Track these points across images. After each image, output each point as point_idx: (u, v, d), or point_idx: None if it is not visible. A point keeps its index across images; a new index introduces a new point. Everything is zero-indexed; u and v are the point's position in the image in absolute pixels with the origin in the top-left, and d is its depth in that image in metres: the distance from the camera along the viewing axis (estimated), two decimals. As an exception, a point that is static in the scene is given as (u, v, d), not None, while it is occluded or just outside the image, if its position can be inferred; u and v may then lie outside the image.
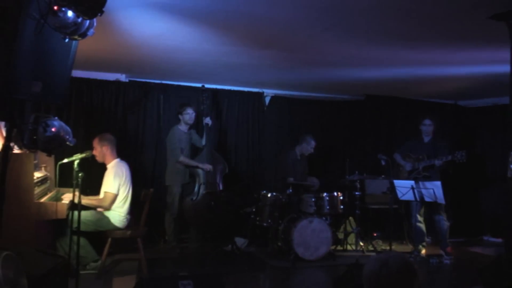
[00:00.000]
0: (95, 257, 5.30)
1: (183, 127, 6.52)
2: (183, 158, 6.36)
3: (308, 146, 7.00)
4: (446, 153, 6.22)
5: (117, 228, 5.23)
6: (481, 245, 7.54)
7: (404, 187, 6.24)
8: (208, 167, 6.46)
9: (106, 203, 5.17)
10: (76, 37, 2.92)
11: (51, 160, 5.14)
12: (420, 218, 6.57)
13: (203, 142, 6.64)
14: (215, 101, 7.42)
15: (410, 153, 6.63)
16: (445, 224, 6.49)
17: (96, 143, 5.32)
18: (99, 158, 5.31)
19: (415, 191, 6.13)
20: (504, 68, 5.70)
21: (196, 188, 6.46)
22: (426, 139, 6.62)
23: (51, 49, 3.08)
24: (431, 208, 6.55)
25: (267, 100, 7.81)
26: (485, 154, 8.23)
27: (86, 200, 4.95)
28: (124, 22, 4.18)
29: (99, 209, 5.23)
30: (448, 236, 6.59)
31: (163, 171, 6.62)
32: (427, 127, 6.57)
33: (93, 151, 5.18)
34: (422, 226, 6.59)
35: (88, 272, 5.16)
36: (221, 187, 6.61)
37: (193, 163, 6.45)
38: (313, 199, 6.35)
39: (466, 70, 6.00)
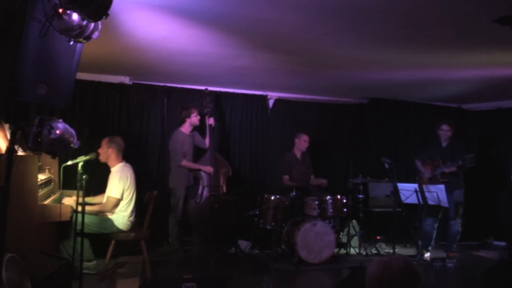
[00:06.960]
0: (90, 256, 5.22)
1: (186, 130, 6.52)
2: (185, 162, 6.36)
3: (301, 140, 7.02)
4: (461, 158, 6.15)
5: (120, 231, 5.22)
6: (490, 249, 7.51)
7: (407, 191, 6.24)
8: (210, 169, 6.45)
9: (108, 208, 5.16)
10: (81, 39, 2.93)
11: (55, 162, 5.16)
12: (434, 223, 6.57)
13: (207, 144, 6.65)
14: (219, 104, 7.43)
15: (429, 158, 6.59)
16: (455, 229, 6.47)
17: (104, 142, 5.33)
18: (102, 158, 5.30)
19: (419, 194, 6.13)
20: (508, 72, 5.73)
21: (199, 191, 6.46)
22: (444, 144, 6.59)
23: (56, 51, 3.09)
24: (446, 213, 6.54)
25: (271, 103, 7.81)
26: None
27: (88, 207, 4.92)
28: (128, 25, 4.19)
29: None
30: (457, 241, 6.56)
31: (167, 173, 6.63)
32: (445, 132, 6.55)
33: (99, 149, 5.20)
34: (433, 230, 6.59)
35: (85, 272, 5.13)
36: (224, 190, 6.60)
37: (195, 166, 6.45)
38: (316, 202, 6.35)
39: (470, 74, 5.98)
